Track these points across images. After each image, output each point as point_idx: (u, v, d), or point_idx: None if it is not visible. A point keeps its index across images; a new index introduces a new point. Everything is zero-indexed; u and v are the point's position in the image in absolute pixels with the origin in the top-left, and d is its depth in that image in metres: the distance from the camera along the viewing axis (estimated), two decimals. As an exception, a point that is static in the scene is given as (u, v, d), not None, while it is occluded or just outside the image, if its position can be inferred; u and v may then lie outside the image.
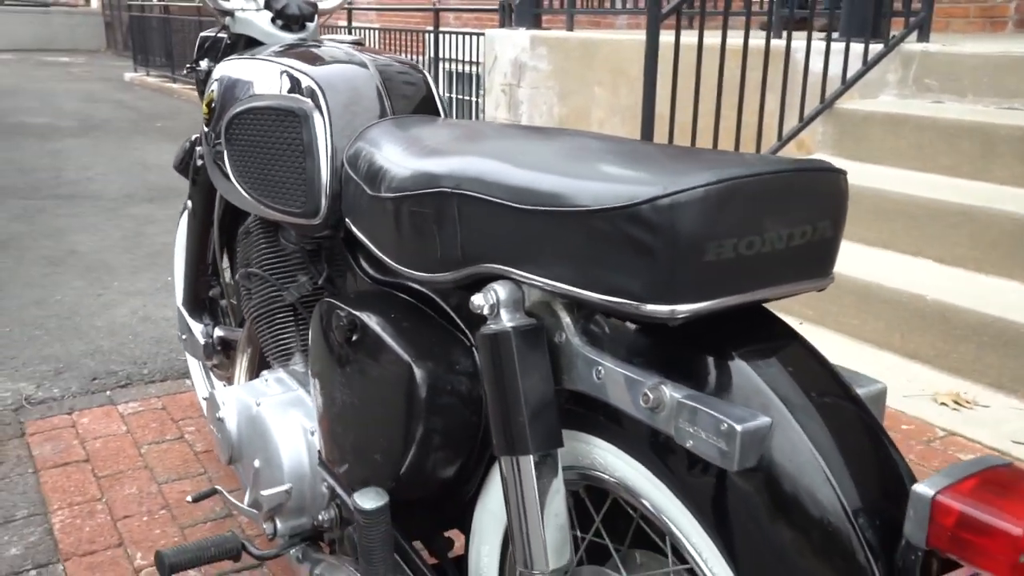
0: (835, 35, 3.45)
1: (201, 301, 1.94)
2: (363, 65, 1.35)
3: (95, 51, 20.07)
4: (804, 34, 3.40)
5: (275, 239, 1.47)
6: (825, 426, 0.75)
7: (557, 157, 0.92)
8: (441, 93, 1.45)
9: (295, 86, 1.31)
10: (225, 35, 1.66)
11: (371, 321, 1.09)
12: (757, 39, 3.31)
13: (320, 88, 1.29)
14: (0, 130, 8.20)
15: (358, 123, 1.28)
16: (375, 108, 1.31)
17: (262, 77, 1.37)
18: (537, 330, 0.91)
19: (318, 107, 1.28)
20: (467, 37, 6.34)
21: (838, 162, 3.40)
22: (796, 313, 2.96)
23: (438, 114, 1.38)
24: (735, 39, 3.29)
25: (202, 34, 1.77)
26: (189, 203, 1.84)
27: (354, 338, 1.11)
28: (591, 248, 0.80)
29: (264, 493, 1.28)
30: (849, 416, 0.77)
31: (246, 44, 1.60)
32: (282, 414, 1.33)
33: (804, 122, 3.37)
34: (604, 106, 4.88)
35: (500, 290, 0.92)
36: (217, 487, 1.48)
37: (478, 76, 7.98)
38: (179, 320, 1.98)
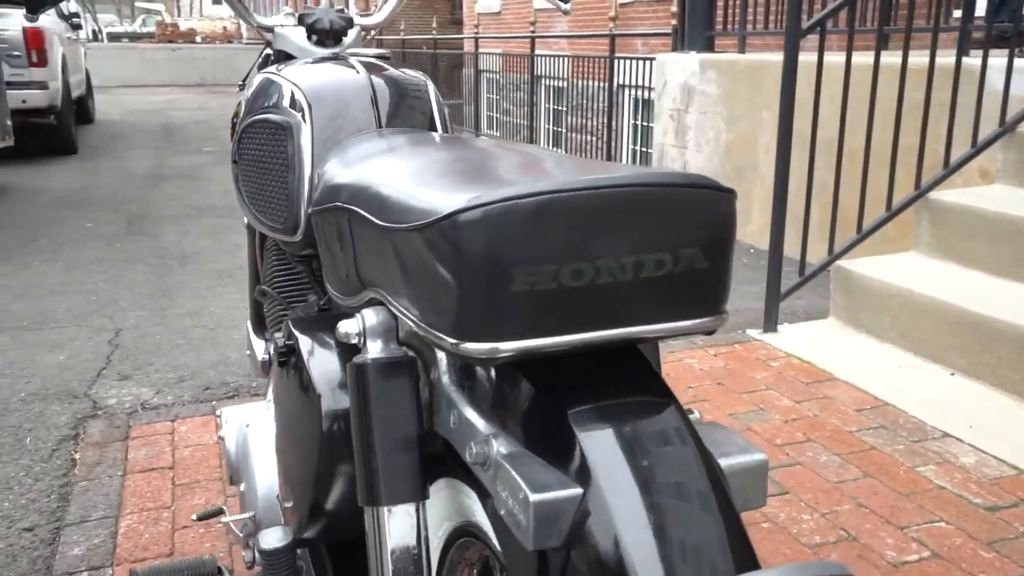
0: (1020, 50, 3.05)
1: (262, 318, 1.96)
2: (358, 77, 1.30)
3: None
4: (979, 52, 3.03)
5: (285, 257, 1.45)
6: (660, 504, 0.60)
7: (437, 167, 0.82)
8: (446, 111, 1.38)
9: (290, 99, 1.29)
10: (270, 51, 1.67)
11: (302, 345, 1.02)
12: (921, 56, 2.99)
13: (308, 101, 1.25)
14: (222, 155, 8.96)
15: (341, 137, 1.23)
16: (362, 121, 1.25)
17: (267, 91, 1.36)
18: (405, 364, 0.81)
19: (304, 120, 1.24)
20: (647, 63, 6.20)
21: (1017, 193, 2.99)
22: (945, 362, 2.61)
23: (434, 128, 1.31)
24: (894, 58, 2.98)
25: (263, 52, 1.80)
26: (245, 220, 1.87)
27: (288, 362, 1.05)
28: (417, 272, 0.70)
29: (226, 519, 1.24)
30: (696, 495, 0.62)
31: (285, 59, 1.60)
32: (264, 439, 1.30)
33: (977, 148, 2.98)
34: (771, 131, 4.59)
35: (369, 317, 0.83)
36: (223, 507, 1.47)
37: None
38: (246, 337, 2.01)
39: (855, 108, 3.11)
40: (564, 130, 9.40)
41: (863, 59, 3.12)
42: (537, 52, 8.07)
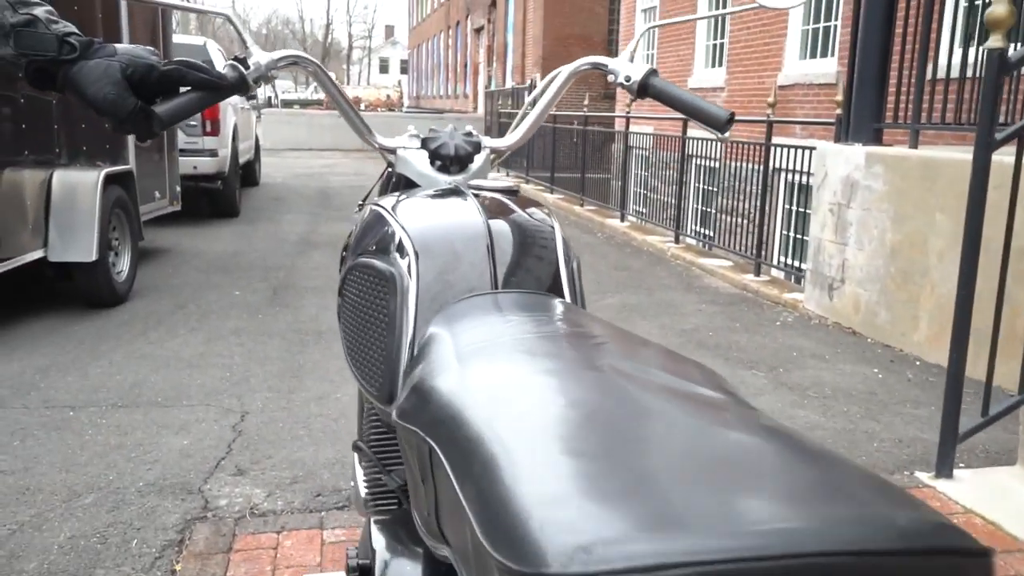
0: None
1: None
2: (475, 222, 1.11)
3: (475, 151, 22.06)
4: None
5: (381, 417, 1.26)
6: None
7: (547, 422, 0.60)
8: (574, 264, 1.16)
9: (397, 244, 1.11)
10: (392, 172, 1.52)
11: (379, 562, 0.82)
12: None
13: (415, 249, 1.07)
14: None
15: (450, 296, 1.04)
16: (475, 280, 1.05)
17: (374, 228, 1.19)
18: None
19: (410, 273, 1.06)
20: (802, 150, 5.87)
21: None
22: None
23: (560, 292, 1.09)
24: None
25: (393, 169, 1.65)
26: None
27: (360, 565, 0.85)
28: None
29: None
30: None
31: (407, 184, 1.45)
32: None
33: None
34: (946, 235, 4.17)
35: None
36: None
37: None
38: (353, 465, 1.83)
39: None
40: (713, 211, 9.09)
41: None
42: (689, 134, 7.84)
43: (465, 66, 28.06)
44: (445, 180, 1.36)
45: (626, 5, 13.43)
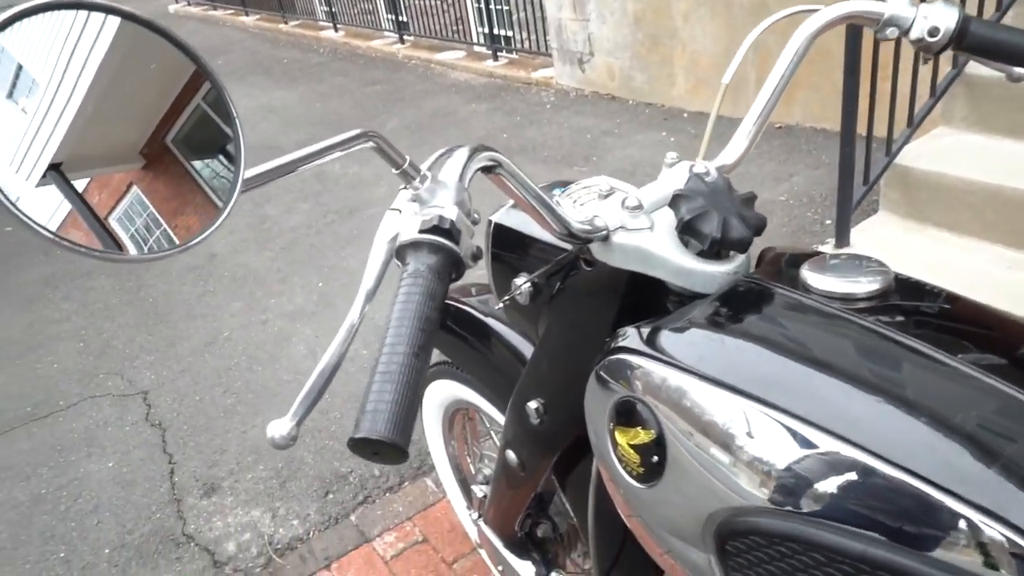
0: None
1: (521, 538, 1.19)
2: None
3: (133, -21, 17.84)
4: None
5: None
6: None
7: None
8: None
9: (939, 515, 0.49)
10: (577, 255, 0.78)
11: None
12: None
13: None
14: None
15: None
16: None
17: (809, 461, 0.54)
18: None
19: None
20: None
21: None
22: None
23: None
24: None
25: (494, 219, 0.90)
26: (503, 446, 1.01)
27: None
28: None
29: None
30: None
31: (623, 278, 0.74)
32: None
33: (937, 96, 2.30)
34: (689, -1, 3.76)
35: None
36: None
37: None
38: (487, 544, 1.23)
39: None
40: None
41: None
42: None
43: None
44: (723, 271, 0.69)
45: None
